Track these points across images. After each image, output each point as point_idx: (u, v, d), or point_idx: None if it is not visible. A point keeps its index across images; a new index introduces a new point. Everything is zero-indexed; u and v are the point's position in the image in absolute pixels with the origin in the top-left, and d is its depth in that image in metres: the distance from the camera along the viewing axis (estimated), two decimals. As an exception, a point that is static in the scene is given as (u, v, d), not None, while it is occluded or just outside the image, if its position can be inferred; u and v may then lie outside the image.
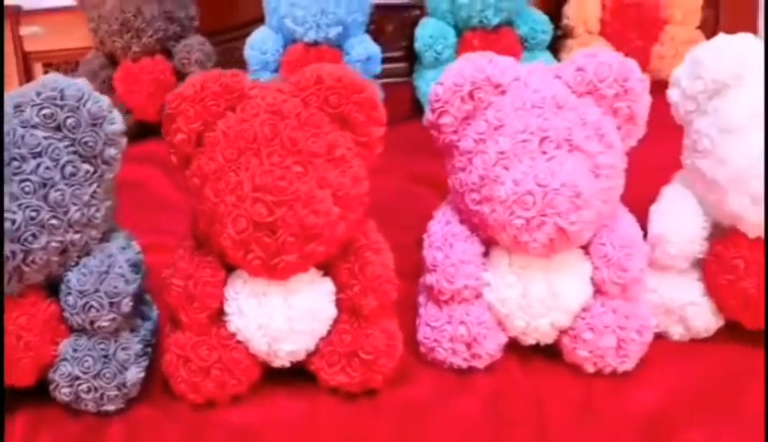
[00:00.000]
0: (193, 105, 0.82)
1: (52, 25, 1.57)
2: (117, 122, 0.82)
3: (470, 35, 1.39)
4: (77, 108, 0.80)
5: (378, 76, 1.46)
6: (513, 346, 0.90)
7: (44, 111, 0.79)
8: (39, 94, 0.80)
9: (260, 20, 1.42)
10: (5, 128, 0.78)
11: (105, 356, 0.82)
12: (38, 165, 0.78)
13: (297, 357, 0.85)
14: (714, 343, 0.91)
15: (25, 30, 1.57)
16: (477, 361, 0.87)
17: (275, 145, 0.79)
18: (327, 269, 0.85)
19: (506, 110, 0.82)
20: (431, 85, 1.38)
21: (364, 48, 1.38)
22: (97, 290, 0.80)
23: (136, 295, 0.85)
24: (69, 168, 0.80)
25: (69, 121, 0.79)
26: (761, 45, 0.88)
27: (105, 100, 0.82)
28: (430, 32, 1.39)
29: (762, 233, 0.84)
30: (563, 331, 0.87)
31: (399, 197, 1.24)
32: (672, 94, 0.91)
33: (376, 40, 1.44)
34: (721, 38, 0.89)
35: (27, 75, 1.58)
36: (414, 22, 1.51)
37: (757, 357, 0.88)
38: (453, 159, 0.87)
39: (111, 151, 0.82)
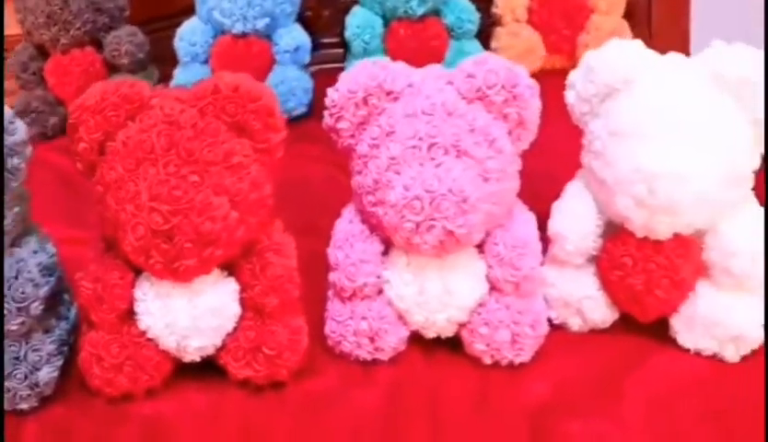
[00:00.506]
0: (94, 115, 0.84)
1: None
2: (19, 132, 0.84)
3: (396, 25, 1.40)
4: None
5: (312, 63, 1.46)
6: (418, 339, 0.94)
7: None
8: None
9: (193, 9, 1.41)
10: None
11: (16, 358, 0.85)
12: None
13: (206, 352, 0.89)
14: (611, 334, 0.95)
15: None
16: (381, 353, 0.91)
17: (172, 155, 0.82)
18: (231, 269, 0.89)
19: (397, 117, 0.85)
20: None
21: (292, 38, 1.38)
22: (5, 296, 0.84)
23: (49, 296, 0.89)
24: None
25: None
26: (651, 52, 0.91)
27: (7, 112, 0.84)
28: (358, 22, 1.39)
29: (649, 233, 0.88)
30: (461, 325, 0.91)
31: (327, 185, 1.27)
32: (568, 96, 0.94)
33: (312, 25, 1.45)
34: (613, 43, 0.91)
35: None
36: (350, 8, 1.50)
37: (645, 347, 0.93)
38: (352, 162, 0.90)
39: (15, 161, 0.84)
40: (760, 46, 1.88)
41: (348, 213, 0.95)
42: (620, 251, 0.90)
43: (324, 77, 1.54)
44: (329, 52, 1.53)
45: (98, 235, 0.90)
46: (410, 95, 0.86)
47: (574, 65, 1.42)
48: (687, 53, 1.60)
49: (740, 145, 0.85)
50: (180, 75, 1.40)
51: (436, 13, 1.41)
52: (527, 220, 0.92)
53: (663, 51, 1.64)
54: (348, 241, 0.91)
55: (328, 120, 0.89)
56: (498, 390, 0.89)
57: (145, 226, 0.81)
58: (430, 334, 0.93)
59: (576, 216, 0.93)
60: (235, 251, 0.86)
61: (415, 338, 0.93)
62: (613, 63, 0.89)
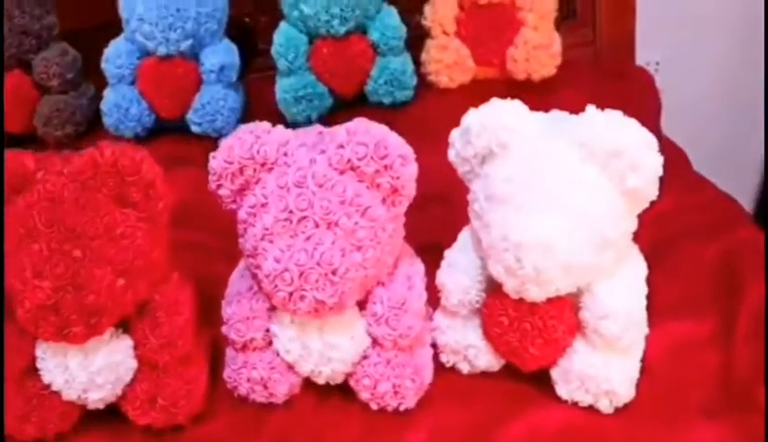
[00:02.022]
0: (-22, 191, 0.88)
1: None
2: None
3: (320, 43, 1.38)
4: None
5: (251, 71, 1.47)
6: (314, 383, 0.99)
7: None
8: None
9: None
10: None
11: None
12: None
13: (107, 401, 0.95)
14: (500, 378, 0.98)
15: None
16: (274, 398, 0.97)
17: (54, 231, 0.86)
18: (125, 325, 0.94)
19: (270, 188, 0.87)
20: (284, 94, 1.41)
21: (217, 58, 1.37)
22: None
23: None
24: None
25: None
26: (529, 114, 0.90)
27: None
28: (281, 40, 1.38)
29: (522, 296, 0.90)
30: (348, 374, 0.96)
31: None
32: (450, 153, 0.94)
33: (249, 32, 1.44)
34: (493, 104, 0.91)
35: None
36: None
37: (528, 394, 0.96)
38: (238, 226, 0.93)
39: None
40: (704, 46, 1.84)
41: (240, 267, 0.98)
42: (498, 309, 0.92)
43: (263, 85, 1.56)
44: (268, 58, 1.52)
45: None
46: (282, 166, 0.88)
47: (505, 77, 1.42)
48: (632, 54, 1.58)
49: (609, 213, 0.86)
50: (110, 97, 1.41)
51: (362, 30, 1.39)
52: (410, 275, 0.95)
53: (608, 51, 1.61)
54: (237, 297, 0.95)
55: (211, 185, 0.92)
56: (377, 437, 0.94)
57: (31, 301, 0.85)
58: (321, 381, 0.97)
59: (460, 271, 0.95)
60: (127, 312, 0.91)
61: (311, 382, 0.99)
62: (490, 126, 0.89)
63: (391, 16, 1.40)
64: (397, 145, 0.88)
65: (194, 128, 1.41)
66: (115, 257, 0.87)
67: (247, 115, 1.44)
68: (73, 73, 1.43)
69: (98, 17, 1.52)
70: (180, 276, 0.98)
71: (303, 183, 0.87)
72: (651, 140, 0.86)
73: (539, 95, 1.40)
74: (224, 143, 0.90)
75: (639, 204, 0.89)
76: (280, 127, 0.92)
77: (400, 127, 1.44)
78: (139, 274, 0.89)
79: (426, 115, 1.39)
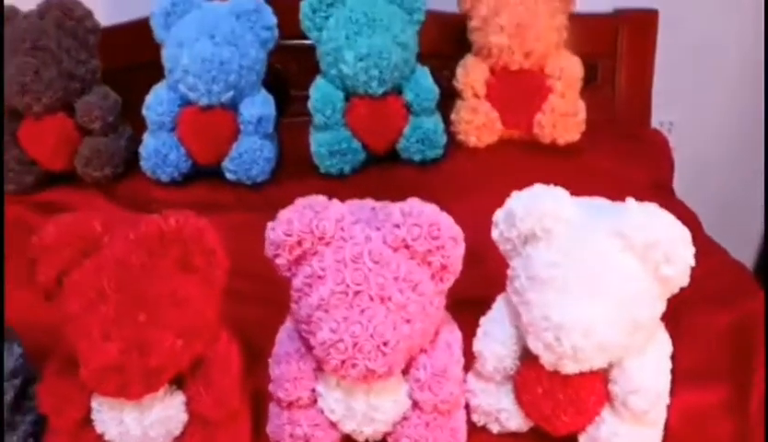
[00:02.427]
0: (50, 255, 0.92)
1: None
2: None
3: (357, 102, 1.42)
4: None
5: (283, 115, 1.51)
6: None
7: None
8: None
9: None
10: None
11: (-20, 454, 0.97)
12: None
13: (159, 453, 1.01)
14: (529, 439, 1.04)
15: None
16: (315, 455, 1.03)
17: (121, 295, 0.90)
18: (179, 381, 0.98)
19: (328, 261, 0.92)
20: (319, 147, 1.44)
21: (256, 110, 1.40)
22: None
23: (14, 398, 0.99)
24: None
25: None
26: (570, 198, 0.96)
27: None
28: (319, 96, 1.41)
29: (558, 369, 0.95)
30: (388, 433, 1.01)
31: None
32: (493, 233, 1.00)
33: (282, 78, 1.48)
34: (537, 189, 0.97)
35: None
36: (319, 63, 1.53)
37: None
38: (290, 291, 0.98)
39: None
40: (717, 107, 1.90)
41: (286, 330, 1.03)
42: (532, 379, 0.98)
43: (295, 130, 1.60)
44: (299, 104, 1.55)
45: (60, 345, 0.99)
46: (339, 240, 0.93)
47: (530, 139, 1.48)
48: (648, 115, 1.64)
49: (643, 299, 0.92)
50: (150, 142, 1.45)
51: (398, 90, 1.43)
52: (450, 342, 1.00)
53: (626, 111, 1.66)
54: (286, 358, 1.00)
55: (268, 251, 0.96)
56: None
57: (97, 362, 0.89)
58: (361, 439, 1.03)
59: (496, 341, 1.01)
60: (182, 369, 0.95)
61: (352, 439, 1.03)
62: (535, 212, 0.94)
63: (425, 77, 1.45)
64: (448, 226, 0.93)
65: (229, 175, 1.44)
66: (176, 320, 0.92)
67: (280, 162, 1.48)
68: (113, 116, 1.46)
69: (132, 57, 1.57)
70: (229, 333, 1.03)
71: (359, 259, 0.92)
72: (685, 233, 0.92)
73: (562, 156, 1.48)
74: (283, 215, 0.95)
75: (670, 290, 0.95)
76: (335, 201, 0.97)
77: (429, 184, 1.51)
78: (196, 335, 0.94)
79: (455, 173, 1.45)
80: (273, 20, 1.41)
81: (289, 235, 0.95)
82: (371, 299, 0.92)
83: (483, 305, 1.05)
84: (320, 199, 0.98)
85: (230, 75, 1.36)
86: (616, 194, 1.39)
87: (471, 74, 1.47)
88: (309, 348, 0.99)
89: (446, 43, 1.52)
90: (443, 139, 1.48)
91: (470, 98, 1.49)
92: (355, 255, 0.93)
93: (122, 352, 0.90)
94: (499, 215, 0.99)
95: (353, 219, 0.97)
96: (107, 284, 0.91)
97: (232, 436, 0.99)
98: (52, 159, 1.46)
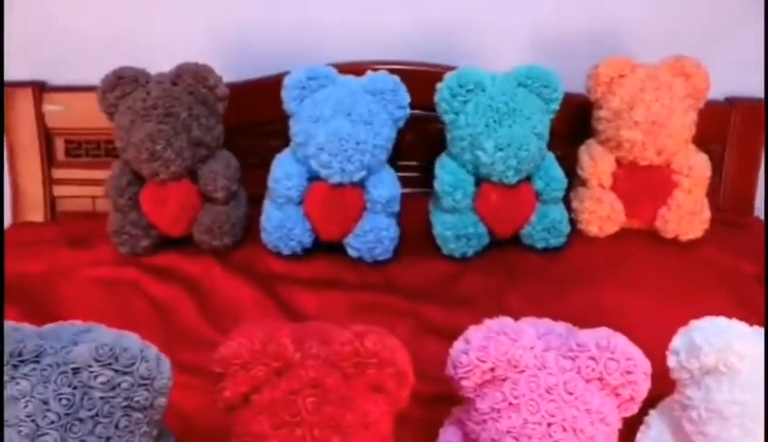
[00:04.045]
0: (241, 371, 0.90)
1: (76, 103, 1.56)
2: (166, 377, 0.90)
3: (488, 188, 1.40)
4: (131, 372, 0.87)
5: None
6: None
7: (100, 379, 0.86)
8: (96, 360, 0.87)
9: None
10: (66, 390, 0.86)
11: None
12: (95, 425, 0.87)
13: None
14: None
15: (47, 108, 1.57)
16: None
17: (316, 419, 0.88)
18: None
19: (521, 390, 0.92)
20: (445, 230, 1.42)
21: (386, 190, 1.38)
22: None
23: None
24: (123, 422, 0.88)
25: (123, 384, 0.87)
26: (751, 335, 0.97)
27: (154, 358, 0.89)
28: (450, 180, 1.39)
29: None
30: None
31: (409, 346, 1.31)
32: (670, 360, 1.00)
33: (394, 147, 1.45)
34: (719, 323, 0.97)
35: (48, 150, 1.59)
36: (434, 135, 1.51)
37: None
38: (469, 408, 0.97)
39: (161, 401, 0.90)
40: None
41: (450, 434, 1.02)
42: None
43: (409, 202, 1.56)
44: (408, 174, 1.55)
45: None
46: (533, 369, 0.92)
47: (650, 230, 1.48)
48: (752, 204, 1.65)
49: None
50: (275, 215, 1.40)
51: (527, 178, 1.41)
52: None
53: (731, 201, 1.66)
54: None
55: (452, 372, 0.95)
56: None
57: (289, 484, 0.87)
58: None
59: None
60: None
61: None
62: (720, 348, 0.94)
63: (554, 167, 1.44)
64: (642, 362, 0.93)
65: (351, 252, 1.42)
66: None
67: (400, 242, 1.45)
68: (236, 184, 1.43)
69: (240, 118, 1.54)
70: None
71: (554, 390, 0.91)
72: None
73: (678, 249, 1.48)
74: (476, 339, 0.94)
75: None
76: (525, 326, 0.96)
77: (551, 272, 1.50)
78: (376, 453, 0.93)
79: (576, 262, 1.44)
80: (408, 99, 1.39)
81: (483, 361, 0.94)
82: (564, 430, 0.91)
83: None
84: (511, 324, 0.97)
85: (365, 155, 1.33)
86: (732, 290, 1.41)
87: (599, 165, 1.46)
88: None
89: (562, 123, 1.50)
90: (567, 228, 1.47)
91: (595, 188, 1.47)
92: (550, 386, 0.92)
93: (318, 475, 0.89)
94: (679, 344, 0.99)
95: (543, 346, 0.96)
96: (303, 407, 0.89)
97: None
98: (173, 225, 1.43)
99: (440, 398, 1.09)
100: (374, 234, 1.38)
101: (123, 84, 1.38)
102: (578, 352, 0.94)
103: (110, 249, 1.44)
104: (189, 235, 1.46)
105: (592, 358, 0.92)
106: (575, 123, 1.56)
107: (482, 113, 1.36)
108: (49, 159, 1.60)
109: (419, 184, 1.55)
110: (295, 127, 1.39)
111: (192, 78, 1.38)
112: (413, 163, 1.57)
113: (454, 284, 1.38)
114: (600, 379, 0.92)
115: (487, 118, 1.35)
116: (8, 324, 0.93)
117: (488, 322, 0.97)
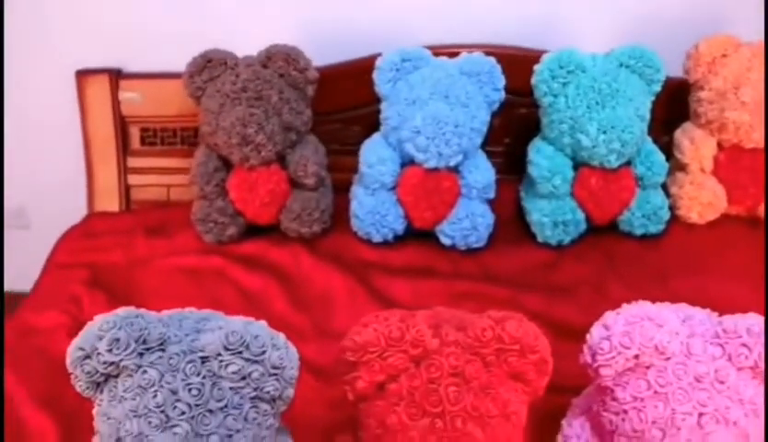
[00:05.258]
0: (378, 359, 0.85)
1: (151, 91, 1.52)
2: (295, 367, 0.87)
3: (588, 172, 1.36)
4: (261, 361, 0.84)
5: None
6: None
7: (231, 368, 0.83)
8: (226, 349, 0.83)
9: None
10: (195, 380, 0.83)
11: None
12: (225, 417, 0.83)
13: None
14: None
15: (123, 95, 1.52)
16: None
17: (458, 410, 0.84)
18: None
19: (668, 378, 0.87)
20: (542, 217, 1.37)
21: (482, 176, 1.34)
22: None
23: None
24: (252, 414, 0.84)
25: (254, 374, 0.83)
26: None
27: (283, 346, 0.85)
28: (548, 165, 1.34)
29: None
30: None
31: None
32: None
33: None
34: None
35: (123, 138, 1.55)
36: (520, 119, 1.47)
37: None
38: (605, 398, 0.92)
39: (290, 392, 0.86)
40: None
41: (577, 428, 0.98)
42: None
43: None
44: (492, 161, 1.48)
45: None
46: (680, 356, 0.87)
47: (751, 217, 1.43)
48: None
49: None
50: (367, 201, 1.36)
51: (628, 162, 1.37)
52: None
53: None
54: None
55: (589, 360, 0.90)
56: None
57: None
58: None
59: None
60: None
61: None
62: None
63: (655, 151, 1.39)
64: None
65: (444, 239, 1.37)
66: (503, 433, 0.86)
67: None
68: (324, 170, 1.39)
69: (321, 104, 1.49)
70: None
71: (704, 379, 0.87)
72: None
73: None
74: (617, 325, 0.89)
75: None
76: (667, 311, 0.91)
77: (650, 260, 1.44)
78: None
79: (675, 249, 1.39)
80: (503, 81, 1.34)
81: (627, 347, 0.89)
82: (717, 422, 0.86)
83: None
84: (653, 308, 0.92)
85: (462, 139, 1.29)
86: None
87: (700, 149, 1.41)
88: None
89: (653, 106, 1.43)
90: (667, 215, 1.41)
91: (695, 173, 1.42)
92: (700, 374, 0.87)
93: (458, 470, 0.85)
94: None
95: (687, 332, 0.91)
96: (444, 397, 0.85)
97: None
98: (261, 212, 1.38)
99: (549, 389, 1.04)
100: (469, 221, 1.34)
101: (212, 66, 1.34)
102: (728, 338, 0.89)
103: (190, 237, 1.41)
104: (275, 223, 1.41)
105: (744, 345, 0.87)
106: (667, 107, 1.49)
107: (583, 95, 1.31)
108: (124, 148, 1.55)
109: (504, 170, 1.50)
110: (387, 110, 1.34)
111: (282, 61, 1.34)
112: (498, 149, 1.51)
113: (552, 273, 1.34)
114: (753, 368, 0.88)
115: (589, 100, 1.30)
116: (130, 310, 0.89)
117: (627, 307, 0.92)
